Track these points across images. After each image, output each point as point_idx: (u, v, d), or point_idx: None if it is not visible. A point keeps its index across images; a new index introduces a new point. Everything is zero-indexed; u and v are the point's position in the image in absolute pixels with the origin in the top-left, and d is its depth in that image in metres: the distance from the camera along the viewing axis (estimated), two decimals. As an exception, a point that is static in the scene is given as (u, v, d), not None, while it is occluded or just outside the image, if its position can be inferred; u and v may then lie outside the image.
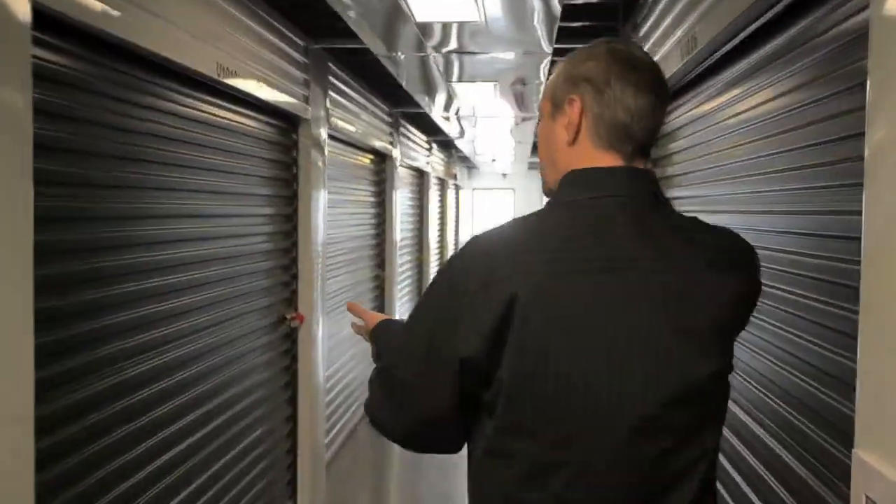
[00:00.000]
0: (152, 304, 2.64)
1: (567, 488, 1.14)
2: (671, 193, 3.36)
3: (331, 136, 4.62)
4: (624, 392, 1.13)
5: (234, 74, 3.03)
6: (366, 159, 6.26)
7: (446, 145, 10.81)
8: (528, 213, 1.25)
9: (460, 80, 6.08)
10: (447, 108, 8.08)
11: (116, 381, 2.43)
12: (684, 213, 1.30)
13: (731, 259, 1.24)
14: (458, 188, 14.57)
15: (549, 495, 1.14)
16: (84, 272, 2.26)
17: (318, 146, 4.27)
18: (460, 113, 8.72)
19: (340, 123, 4.80)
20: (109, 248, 2.38)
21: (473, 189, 17.71)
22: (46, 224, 1.97)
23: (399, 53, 4.77)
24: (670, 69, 2.90)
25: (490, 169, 16.20)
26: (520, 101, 6.88)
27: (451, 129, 9.25)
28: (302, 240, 4.13)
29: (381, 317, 1.63)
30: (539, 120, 1.36)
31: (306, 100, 4.03)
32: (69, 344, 2.17)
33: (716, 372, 1.18)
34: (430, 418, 1.23)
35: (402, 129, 7.28)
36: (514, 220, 1.23)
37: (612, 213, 1.18)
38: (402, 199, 7.62)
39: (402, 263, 7.64)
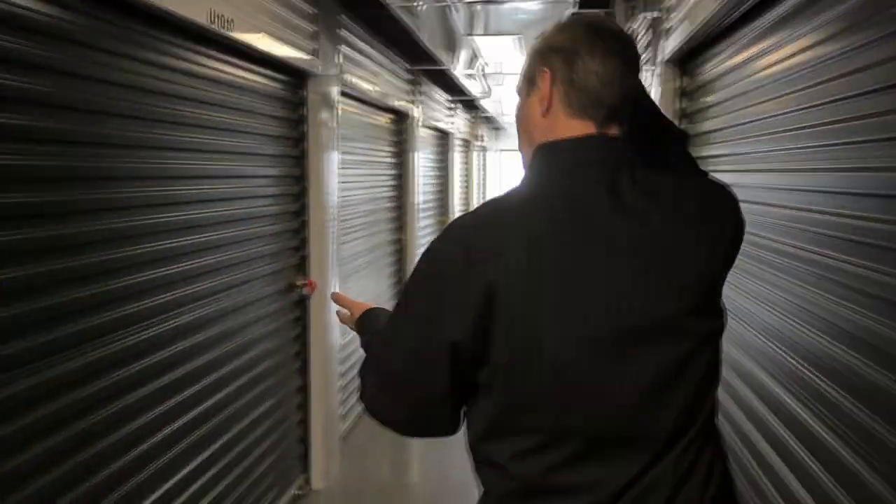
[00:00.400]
0: (147, 270, 2.46)
1: (577, 457, 1.15)
2: (707, 151, 3.10)
3: (344, 94, 4.38)
4: (620, 365, 1.14)
5: (231, 24, 2.80)
6: (384, 119, 6.02)
7: (471, 106, 10.51)
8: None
9: (483, 32, 5.80)
10: (470, 64, 7.77)
11: (116, 350, 2.29)
12: (668, 171, 1.27)
13: (711, 211, 1.25)
14: (483, 150, 14.26)
15: (558, 464, 1.15)
16: (75, 236, 2.10)
17: (329, 103, 4.03)
18: (485, 71, 8.41)
19: (354, 80, 4.56)
20: (91, 211, 2.19)
21: (500, 151, 17.38)
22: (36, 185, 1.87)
23: (418, 2, 4.51)
24: (701, 17, 2.65)
25: (515, 130, 15.85)
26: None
27: (475, 88, 8.95)
28: (312, 202, 3.91)
29: (366, 306, 1.61)
30: (518, 97, 1.36)
31: (315, 53, 3.78)
32: (73, 308, 2.11)
33: (710, 329, 1.21)
34: (426, 404, 1.24)
35: (422, 89, 7.00)
36: (490, 199, 1.24)
37: (585, 184, 1.19)
38: (423, 161, 7.37)
39: (423, 227, 7.41)
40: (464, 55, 7.06)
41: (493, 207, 1.21)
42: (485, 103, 10.35)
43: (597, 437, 1.15)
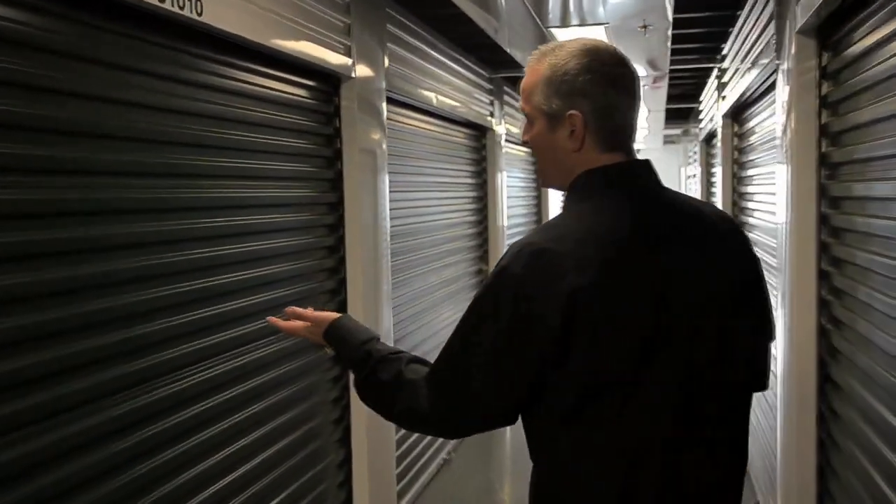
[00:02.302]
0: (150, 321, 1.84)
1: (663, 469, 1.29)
2: (865, 152, 2.21)
3: (393, 101, 3.66)
4: (694, 364, 1.30)
5: (219, 15, 2.13)
6: (459, 134, 5.27)
7: (569, 119, 9.63)
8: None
9: (579, 23, 4.97)
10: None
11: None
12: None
13: (728, 224, 1.44)
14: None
15: (647, 475, 1.28)
16: None
17: (371, 113, 3.32)
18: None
19: (407, 86, 3.83)
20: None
21: (606, 167, 16.36)
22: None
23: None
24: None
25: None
26: (648, 57, 5.72)
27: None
28: (350, 234, 3.19)
29: (331, 316, 1.59)
30: (530, 124, 1.44)
31: (349, 52, 3.08)
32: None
33: (756, 326, 1.41)
34: (502, 416, 1.37)
35: (506, 99, 6.23)
36: (551, 221, 1.39)
37: (636, 202, 1.36)
38: (510, 181, 6.57)
39: (513, 254, 6.60)
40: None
41: (560, 225, 1.35)
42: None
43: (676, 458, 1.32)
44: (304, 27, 2.72)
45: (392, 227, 3.71)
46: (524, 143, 1.50)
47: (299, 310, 1.62)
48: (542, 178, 1.52)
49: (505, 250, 1.61)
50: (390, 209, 3.62)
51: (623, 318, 1.24)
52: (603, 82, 1.35)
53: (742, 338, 1.36)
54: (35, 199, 1.72)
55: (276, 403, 2.71)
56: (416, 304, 4.17)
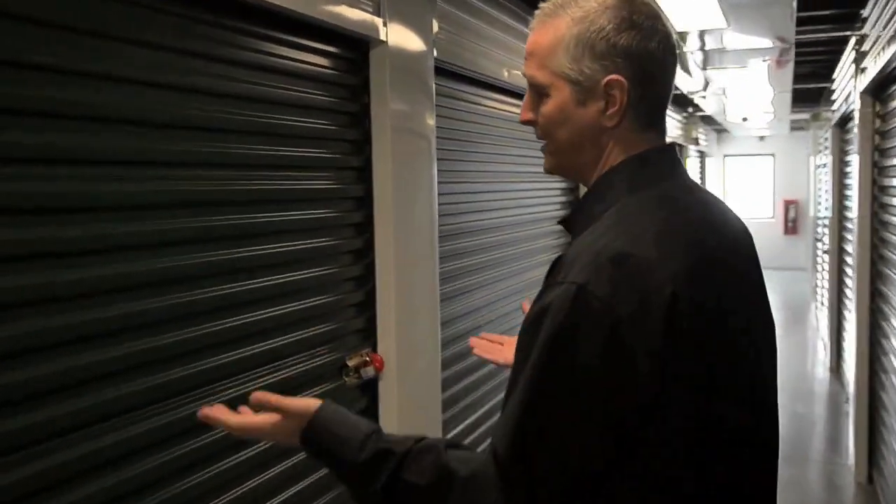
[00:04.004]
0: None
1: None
2: None
3: (443, 71, 3.02)
4: (767, 376, 1.15)
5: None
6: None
7: (681, 101, 8.76)
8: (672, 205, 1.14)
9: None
10: (677, 47, 6.08)
11: None
12: None
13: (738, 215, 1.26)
14: (702, 155, 12.31)
15: None
16: None
17: (411, 86, 2.70)
18: (699, 59, 6.70)
19: (466, 54, 3.19)
20: None
21: (725, 156, 15.21)
22: None
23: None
24: None
25: (743, 132, 13.68)
26: (769, 25, 4.89)
27: (685, 79, 7.26)
28: (381, 234, 2.60)
29: (309, 405, 1.17)
30: (540, 97, 1.18)
31: (377, 9, 2.48)
32: None
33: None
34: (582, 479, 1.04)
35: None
36: (608, 227, 1.08)
37: (692, 194, 1.17)
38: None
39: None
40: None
41: (625, 228, 1.07)
42: (700, 99, 8.58)
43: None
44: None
45: (447, 225, 3.11)
46: (527, 122, 1.22)
47: (262, 395, 1.19)
48: (555, 164, 1.24)
49: (554, 264, 1.13)
50: (443, 203, 3.01)
51: (731, 341, 1.05)
52: (647, 39, 1.12)
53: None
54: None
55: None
56: (475, 319, 3.53)
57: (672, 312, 0.98)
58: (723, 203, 1.24)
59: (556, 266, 1.09)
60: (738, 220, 1.23)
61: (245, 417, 1.19)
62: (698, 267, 1.04)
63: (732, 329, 1.07)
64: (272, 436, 1.20)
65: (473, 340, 1.72)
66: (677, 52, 1.16)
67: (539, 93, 1.18)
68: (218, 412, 1.21)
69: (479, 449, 1.14)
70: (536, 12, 1.19)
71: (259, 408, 1.20)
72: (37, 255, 1.46)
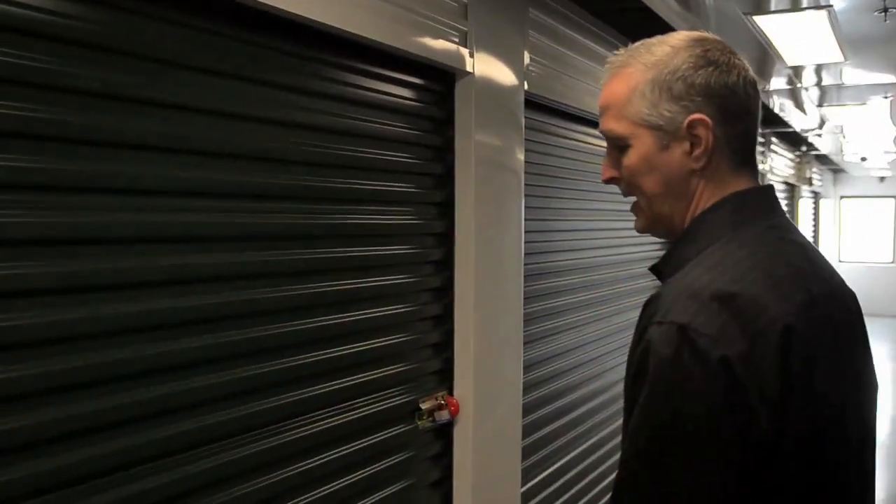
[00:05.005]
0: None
1: None
2: None
3: (534, 104, 2.91)
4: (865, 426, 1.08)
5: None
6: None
7: (793, 140, 8.36)
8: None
9: (764, 10, 3.97)
10: (788, 80, 5.78)
11: None
12: None
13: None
14: (816, 196, 11.72)
15: None
16: None
17: (498, 119, 2.60)
18: (815, 96, 6.37)
19: (558, 86, 3.07)
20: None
21: (840, 197, 14.47)
22: None
23: None
24: None
25: (861, 172, 12.98)
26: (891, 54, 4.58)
27: (797, 116, 6.91)
28: (461, 272, 2.49)
29: None
30: (621, 150, 1.13)
31: (464, 40, 2.40)
32: None
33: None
34: None
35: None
36: (707, 267, 1.03)
37: (792, 237, 1.12)
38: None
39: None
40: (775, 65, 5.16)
41: (733, 265, 1.02)
42: (815, 138, 8.17)
43: None
44: (394, 4, 2.07)
45: (534, 263, 2.98)
46: (610, 181, 1.17)
47: None
48: (647, 220, 1.17)
49: (646, 305, 1.07)
50: (530, 241, 2.88)
51: (838, 384, 1.02)
52: (725, 74, 1.08)
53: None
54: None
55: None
56: (561, 363, 3.36)
57: (786, 349, 0.95)
58: (822, 255, 1.18)
59: (649, 306, 1.04)
60: (838, 274, 1.17)
61: None
62: (808, 308, 1.00)
63: (842, 373, 1.04)
64: None
65: None
66: (762, 87, 1.05)
67: (619, 146, 1.14)
68: None
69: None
70: (606, 66, 1.15)
71: None
72: (168, 283, 1.58)
